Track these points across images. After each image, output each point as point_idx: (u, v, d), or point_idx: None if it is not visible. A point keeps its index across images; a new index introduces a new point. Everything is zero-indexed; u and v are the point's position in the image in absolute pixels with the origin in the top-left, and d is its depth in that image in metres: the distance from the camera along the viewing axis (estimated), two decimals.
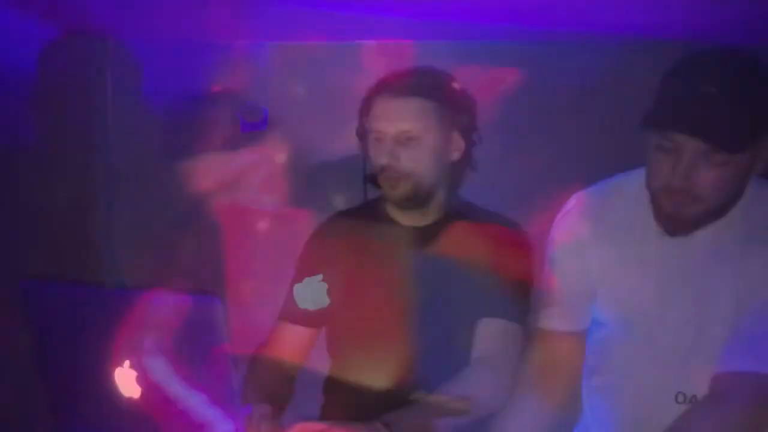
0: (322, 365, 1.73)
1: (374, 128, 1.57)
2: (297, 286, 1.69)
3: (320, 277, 1.66)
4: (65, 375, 1.25)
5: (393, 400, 1.46)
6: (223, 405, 1.15)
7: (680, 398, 1.42)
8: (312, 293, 1.67)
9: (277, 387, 1.59)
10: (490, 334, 1.54)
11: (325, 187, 2.65)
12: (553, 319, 1.52)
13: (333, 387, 1.71)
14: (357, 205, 1.79)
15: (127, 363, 1.15)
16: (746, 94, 1.28)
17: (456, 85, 1.61)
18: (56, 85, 2.42)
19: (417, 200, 1.60)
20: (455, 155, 1.61)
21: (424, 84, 1.56)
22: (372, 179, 1.63)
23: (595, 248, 1.47)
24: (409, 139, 1.54)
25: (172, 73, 2.60)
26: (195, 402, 1.15)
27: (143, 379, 1.15)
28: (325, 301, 1.66)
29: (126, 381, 1.16)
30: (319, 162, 2.65)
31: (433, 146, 1.57)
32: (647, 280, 1.43)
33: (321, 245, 1.71)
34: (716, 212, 1.35)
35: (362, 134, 1.64)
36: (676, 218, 1.35)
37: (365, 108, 1.61)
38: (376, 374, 1.61)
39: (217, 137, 2.63)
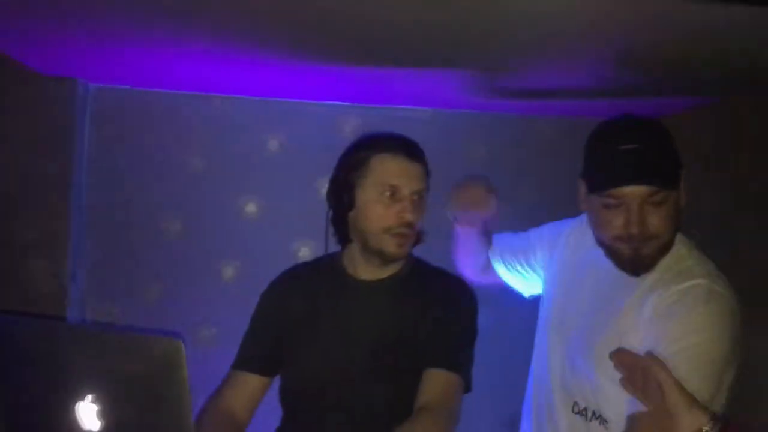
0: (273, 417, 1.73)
1: (389, 184, 1.65)
2: (251, 339, 1.73)
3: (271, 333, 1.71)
4: (23, 410, 1.23)
5: None
6: None
7: (575, 408, 1.63)
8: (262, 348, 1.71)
9: None
10: (433, 385, 1.60)
11: (290, 238, 2.69)
12: None
13: None
14: (313, 259, 1.83)
15: (89, 397, 1.15)
16: (657, 143, 1.52)
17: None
18: (22, 125, 2.44)
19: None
20: None
21: (419, 149, 1.71)
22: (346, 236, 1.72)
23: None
24: (420, 198, 1.68)
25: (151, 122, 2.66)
26: None
27: (104, 413, 1.15)
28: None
29: (87, 415, 1.15)
30: (285, 214, 2.70)
31: (425, 205, 1.71)
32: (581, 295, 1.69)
33: (277, 298, 1.75)
34: (665, 247, 1.56)
35: (344, 185, 1.68)
36: (637, 259, 1.55)
37: (357, 163, 1.68)
38: (328, 426, 1.63)
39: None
